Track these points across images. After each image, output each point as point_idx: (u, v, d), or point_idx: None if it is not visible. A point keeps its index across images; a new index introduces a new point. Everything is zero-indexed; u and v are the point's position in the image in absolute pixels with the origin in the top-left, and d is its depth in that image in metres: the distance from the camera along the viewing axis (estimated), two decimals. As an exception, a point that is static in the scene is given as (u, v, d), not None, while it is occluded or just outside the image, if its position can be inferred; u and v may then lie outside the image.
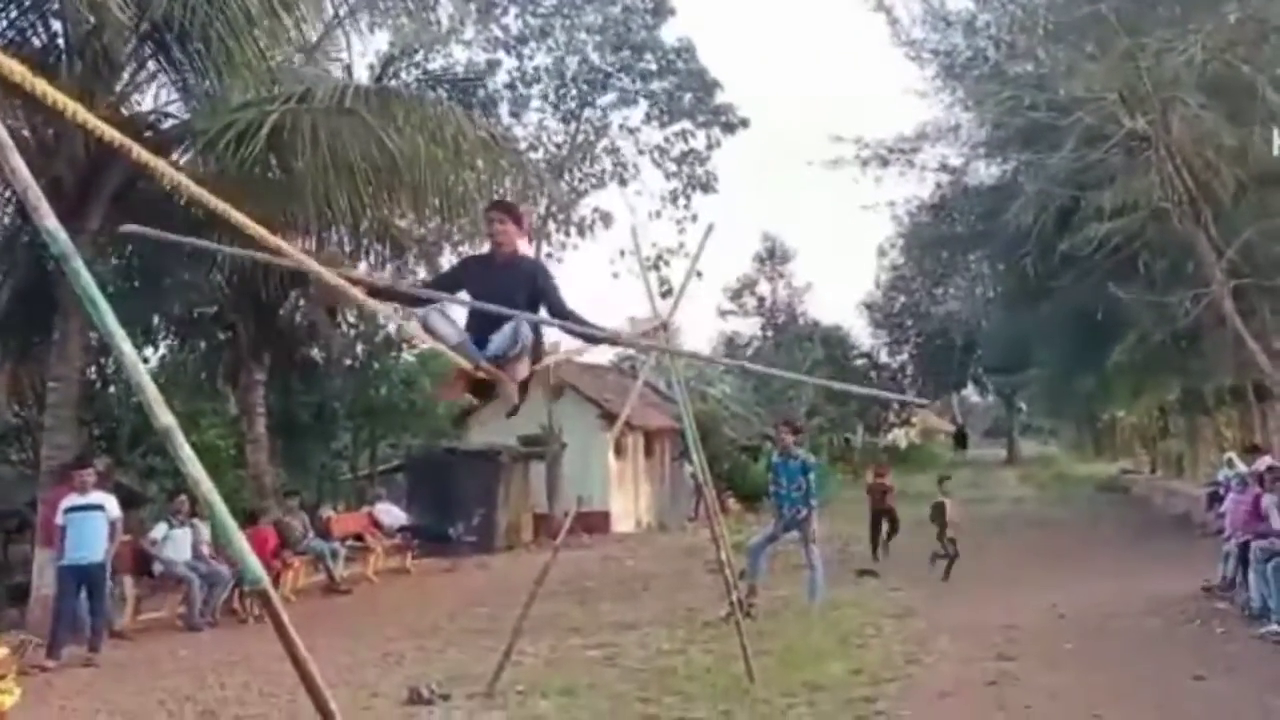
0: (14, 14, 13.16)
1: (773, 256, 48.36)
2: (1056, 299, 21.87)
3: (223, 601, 14.39)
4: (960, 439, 59.02)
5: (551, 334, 7.29)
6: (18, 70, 2.89)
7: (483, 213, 8.39)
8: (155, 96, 15.27)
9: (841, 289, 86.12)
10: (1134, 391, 28.11)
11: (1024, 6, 20.43)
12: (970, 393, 61.94)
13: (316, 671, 2.89)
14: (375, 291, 6.20)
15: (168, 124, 14.80)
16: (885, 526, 17.55)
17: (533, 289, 6.26)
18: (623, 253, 26.78)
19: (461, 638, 11.20)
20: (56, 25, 13.25)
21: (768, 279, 48.70)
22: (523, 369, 5.87)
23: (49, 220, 2.85)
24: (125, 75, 14.07)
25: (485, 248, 6.91)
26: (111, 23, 11.66)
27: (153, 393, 2.89)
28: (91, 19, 11.88)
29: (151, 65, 14.24)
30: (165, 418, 2.86)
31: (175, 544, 14.34)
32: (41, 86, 2.96)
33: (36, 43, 13.43)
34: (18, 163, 2.87)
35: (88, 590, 11.97)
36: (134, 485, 22.63)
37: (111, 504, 12.46)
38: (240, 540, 2.98)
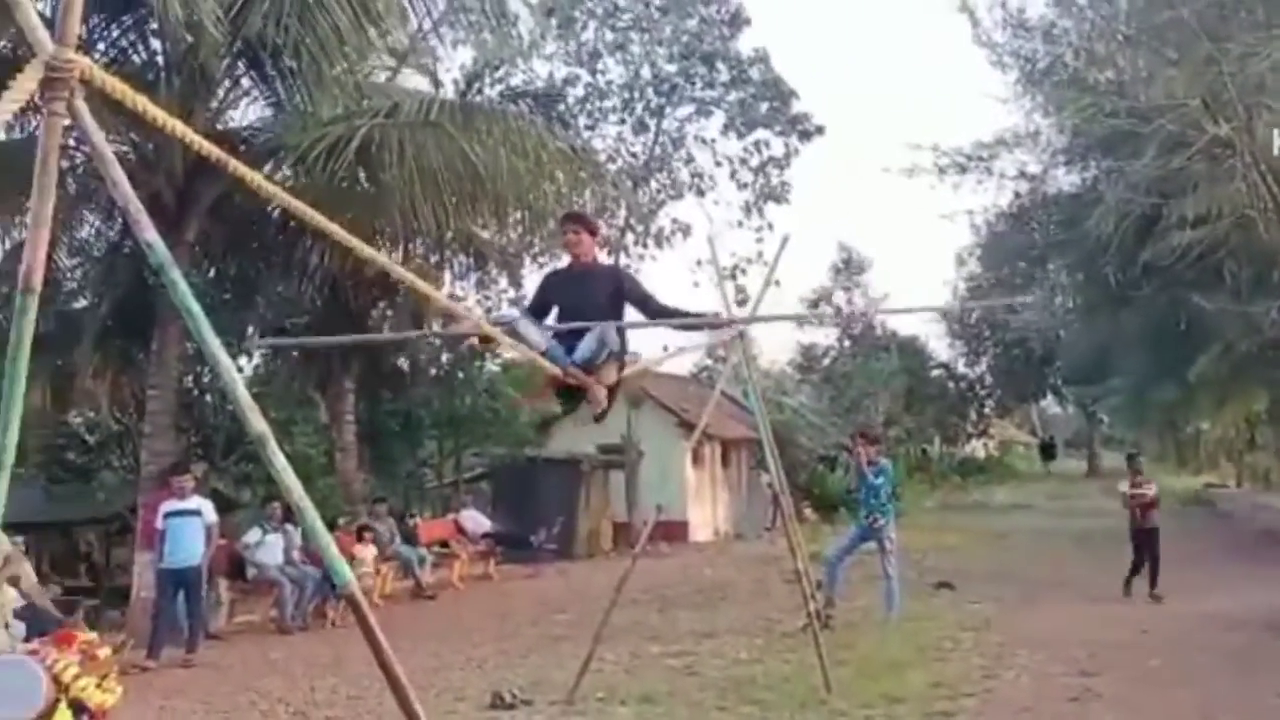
0: (115, 33, 13.42)
1: (849, 266, 47.87)
2: (1138, 308, 21.32)
3: (313, 605, 14.50)
4: (1047, 451, 57.62)
5: (632, 343, 7.19)
6: (119, 87, 2.87)
7: (559, 225, 8.39)
8: (249, 112, 15.53)
9: (918, 299, 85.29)
10: (1219, 403, 27.29)
11: (1103, 13, 19.96)
12: (1050, 404, 60.72)
13: (403, 674, 2.88)
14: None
15: (261, 139, 14.99)
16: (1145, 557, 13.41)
17: (617, 293, 6.23)
18: (700, 262, 26.70)
19: (543, 643, 11.14)
20: (156, 44, 13.48)
21: (844, 289, 48.19)
22: (610, 374, 5.79)
23: (149, 233, 2.85)
24: (221, 92, 14.29)
25: (564, 260, 6.86)
26: (207, 40, 11.83)
27: (246, 401, 2.90)
28: (189, 37, 12.06)
29: (245, 82, 14.44)
30: (259, 425, 2.90)
31: (268, 548, 14.50)
32: (142, 102, 2.94)
33: (137, 60, 13.69)
34: (120, 177, 2.87)
35: (185, 593, 12.13)
36: (229, 491, 23.03)
37: (208, 509, 12.62)
38: (331, 545, 3.02)
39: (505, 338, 5.59)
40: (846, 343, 46.55)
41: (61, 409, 18.22)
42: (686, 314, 6.43)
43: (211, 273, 19.58)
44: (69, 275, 18.90)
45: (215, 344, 2.88)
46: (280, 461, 2.90)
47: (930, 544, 18.37)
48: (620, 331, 5.97)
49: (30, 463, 23.71)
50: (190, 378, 23.25)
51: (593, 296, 5.92)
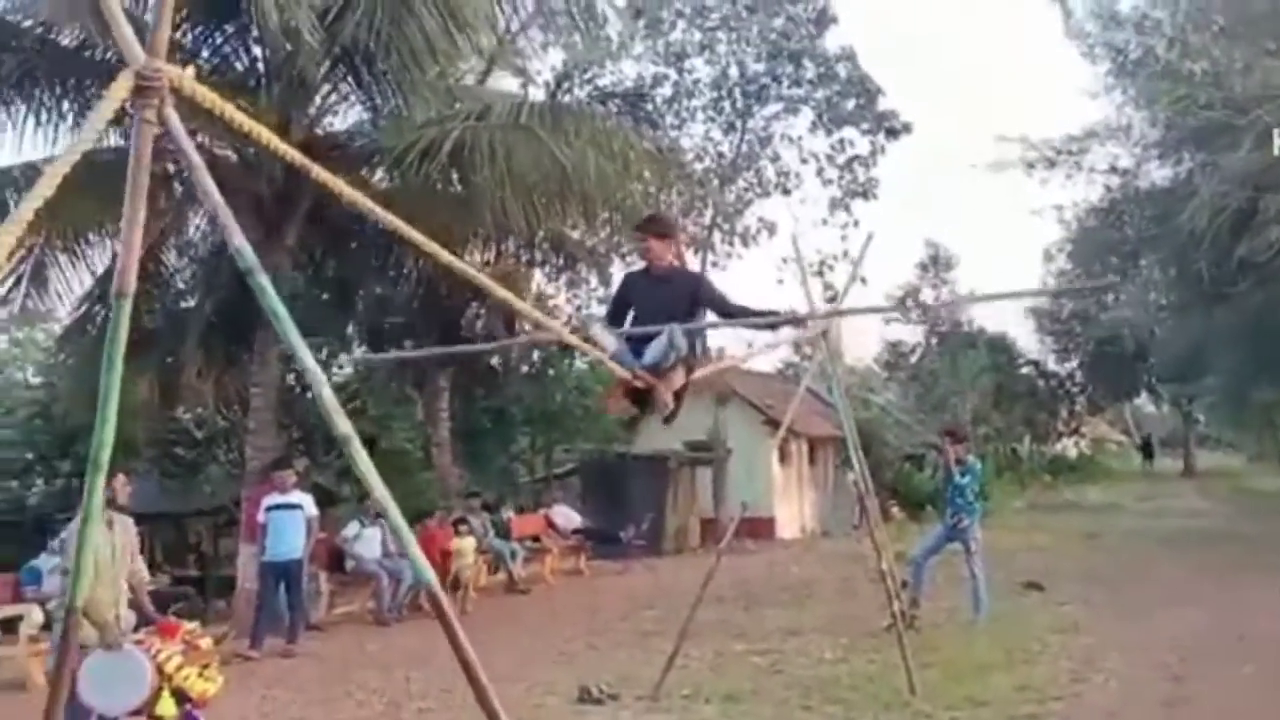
0: (218, 40, 13.69)
1: (936, 263, 46.99)
2: (1234, 305, 20.61)
3: (409, 597, 14.65)
4: (1147, 449, 55.86)
5: (717, 340, 7.11)
6: (208, 95, 2.88)
7: (634, 230, 8.36)
8: (349, 116, 15.73)
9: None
10: (1320, 402, 26.28)
11: (1198, 4, 19.33)
12: (1144, 402, 59.00)
13: (482, 671, 2.93)
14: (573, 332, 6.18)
15: (358, 143, 15.19)
16: None
17: (693, 298, 6.17)
18: (785, 260, 26.45)
19: (631, 639, 11.11)
20: (256, 51, 13.71)
21: (931, 286, 47.33)
22: (677, 379, 5.72)
23: (237, 238, 2.88)
24: (319, 97, 14.49)
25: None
26: (304, 47, 12.00)
27: (331, 402, 2.92)
28: (287, 45, 12.25)
29: (343, 87, 14.62)
30: (343, 426, 2.93)
31: (366, 541, 14.70)
32: (230, 110, 2.95)
33: (239, 67, 13.95)
34: (209, 184, 2.89)
35: (286, 585, 12.35)
36: (330, 485, 23.44)
37: (309, 503, 12.83)
38: (412, 542, 3.03)
39: (578, 342, 5.56)
40: (933, 340, 45.77)
41: (169, 405, 18.61)
42: (763, 313, 6.32)
43: (311, 274, 19.97)
44: (177, 275, 19.39)
45: (301, 345, 2.89)
46: (364, 460, 2.93)
47: (1019, 544, 17.94)
48: (690, 335, 5.89)
49: (143, 456, 24.44)
50: (291, 376, 23.75)
51: (668, 302, 5.87)
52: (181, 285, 19.01)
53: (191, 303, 18.38)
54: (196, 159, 2.94)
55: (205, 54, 13.82)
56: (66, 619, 3.33)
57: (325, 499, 22.49)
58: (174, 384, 16.89)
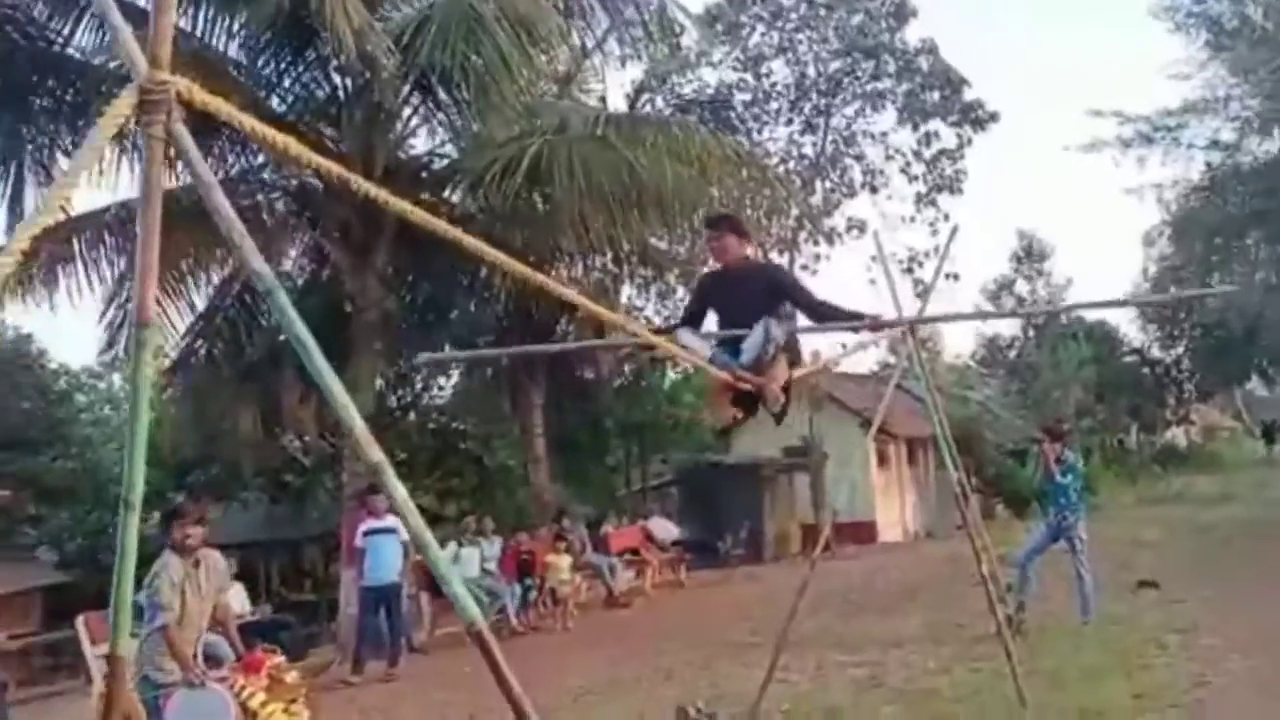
0: (299, 69, 13.72)
1: (1030, 254, 45.65)
2: (1347, 282, 19.41)
3: (506, 617, 14.49)
4: (1268, 435, 53.36)
5: (809, 343, 6.74)
6: (221, 106, 2.64)
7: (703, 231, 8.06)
8: (434, 138, 15.65)
9: (1106, 283, 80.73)
10: None
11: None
12: (1255, 385, 56.51)
13: (532, 711, 2.68)
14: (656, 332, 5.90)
15: (440, 164, 15.11)
16: None
17: (774, 290, 5.82)
18: (874, 259, 25.88)
19: (730, 652, 10.72)
20: (337, 79, 13.72)
21: (1026, 278, 46.02)
22: (781, 371, 5.35)
23: (255, 261, 2.64)
24: (400, 121, 14.43)
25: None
26: (381, 73, 11.94)
27: (362, 431, 2.68)
28: (365, 71, 12.20)
29: (423, 110, 14.56)
30: (375, 456, 2.68)
31: (464, 562, 14.57)
32: (249, 122, 2.70)
33: (320, 95, 13.98)
34: (220, 202, 2.66)
35: (386, 608, 12.25)
36: (433, 506, 23.52)
37: (401, 526, 12.70)
38: (455, 579, 2.78)
39: (670, 347, 5.22)
40: (1031, 333, 44.48)
41: (273, 434, 18.77)
42: (846, 314, 5.93)
43: (403, 296, 20.02)
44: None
45: (327, 371, 2.65)
46: (400, 494, 2.71)
47: (1130, 539, 17.05)
48: (785, 326, 5.54)
49: (251, 485, 24.84)
50: (394, 399, 23.89)
51: (748, 297, 5.53)
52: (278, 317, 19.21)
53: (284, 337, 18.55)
54: (208, 176, 2.69)
55: (287, 83, 13.88)
56: (111, 664, 3.10)
57: (429, 519, 22.56)
58: (276, 413, 16.97)
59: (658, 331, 5.90)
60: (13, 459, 22.09)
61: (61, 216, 13.19)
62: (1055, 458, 10.84)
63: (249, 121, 2.70)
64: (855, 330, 6.00)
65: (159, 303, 15.56)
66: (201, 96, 2.62)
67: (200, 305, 15.84)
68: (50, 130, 13.01)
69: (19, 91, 12.41)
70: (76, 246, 13.51)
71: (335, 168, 3.11)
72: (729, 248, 5.88)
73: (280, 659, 6.38)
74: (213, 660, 6.64)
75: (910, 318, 7.79)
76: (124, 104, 2.51)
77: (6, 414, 22.90)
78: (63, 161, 13.62)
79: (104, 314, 14.82)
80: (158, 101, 2.51)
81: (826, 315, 5.90)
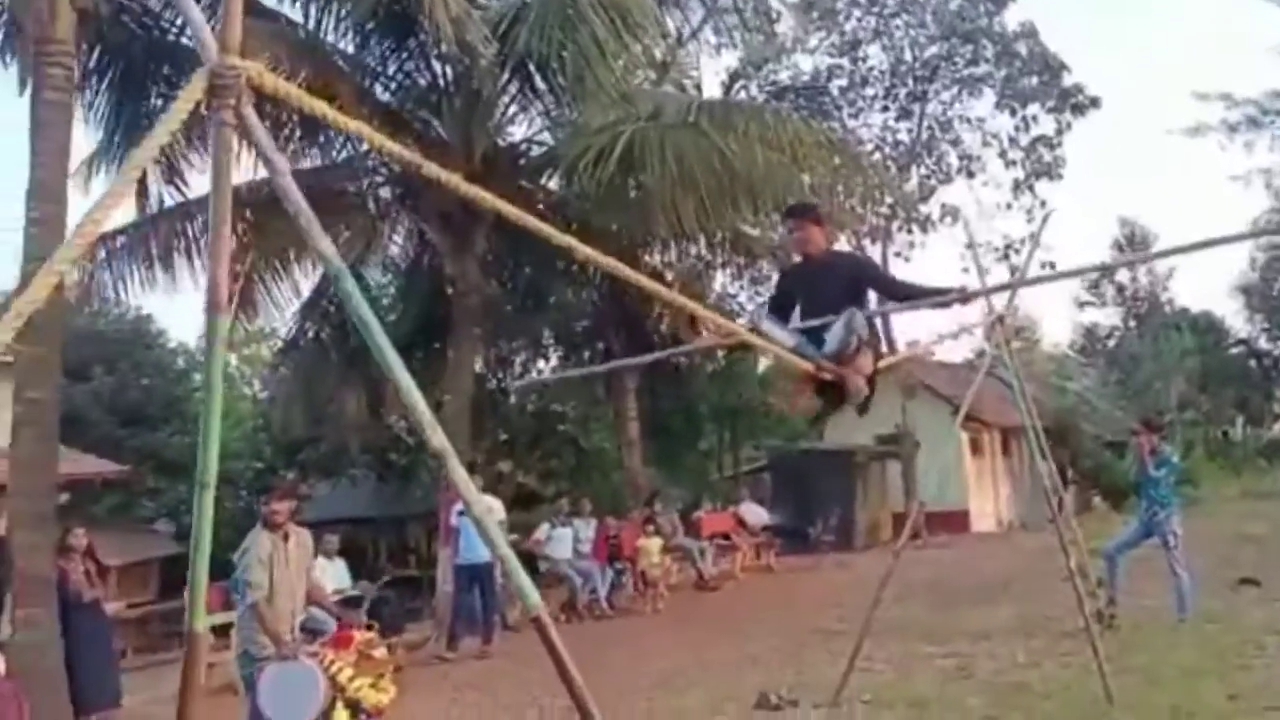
0: (402, 57, 13.81)
1: (1131, 242, 44.11)
2: None
3: (596, 597, 14.50)
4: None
5: (902, 328, 6.51)
6: (290, 91, 2.59)
7: (782, 222, 7.84)
8: (529, 126, 15.67)
9: (1211, 272, 77.00)
10: None
11: None
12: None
13: (594, 705, 2.70)
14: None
15: (536, 151, 15.11)
16: None
17: (856, 280, 5.67)
18: (968, 246, 25.25)
19: (816, 639, 10.54)
20: (437, 67, 13.77)
21: (1128, 266, 44.58)
22: (866, 362, 5.17)
23: (322, 243, 2.59)
24: (499, 109, 14.45)
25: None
26: (480, 61, 11.94)
27: (426, 416, 2.63)
28: (464, 59, 12.22)
29: (520, 98, 14.57)
30: (438, 441, 2.64)
31: (557, 543, 14.64)
32: (319, 106, 2.64)
33: (421, 83, 14.06)
34: (288, 185, 2.62)
35: (480, 587, 12.34)
36: (535, 486, 23.71)
37: (498, 506, 12.80)
38: (517, 566, 2.76)
39: (755, 340, 5.07)
40: (1132, 322, 43.08)
41: (378, 415, 19.04)
42: (934, 290, 5.72)
43: (504, 282, 20.14)
44: (382, 292, 19.84)
45: (391, 354, 2.61)
46: (461, 476, 2.69)
47: (1232, 534, 16.33)
48: (870, 318, 5.36)
49: (359, 463, 25.31)
50: (494, 381, 24.10)
51: (832, 288, 5.37)
52: (387, 302, 19.45)
53: (393, 317, 18.80)
54: (280, 162, 2.64)
55: (390, 70, 13.99)
56: (190, 640, 3.08)
57: (530, 499, 22.78)
58: (381, 395, 17.18)
59: (749, 330, 5.75)
60: (133, 434, 22.79)
61: (128, 203, 13.38)
62: (1150, 449, 10.41)
63: (320, 106, 2.64)
64: (946, 305, 5.76)
65: (268, 288, 15.89)
66: (272, 81, 2.57)
67: (307, 289, 16.08)
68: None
69: (137, 80, 12.68)
70: (192, 230, 13.80)
71: (402, 151, 3.04)
72: (811, 238, 5.73)
73: (371, 635, 6.41)
74: (312, 634, 6.69)
75: (1001, 283, 7.48)
76: (195, 89, 2.47)
77: (127, 391, 23.65)
78: (183, 149, 13.96)
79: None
80: (228, 86, 2.47)
81: (914, 295, 5.72)
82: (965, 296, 5.97)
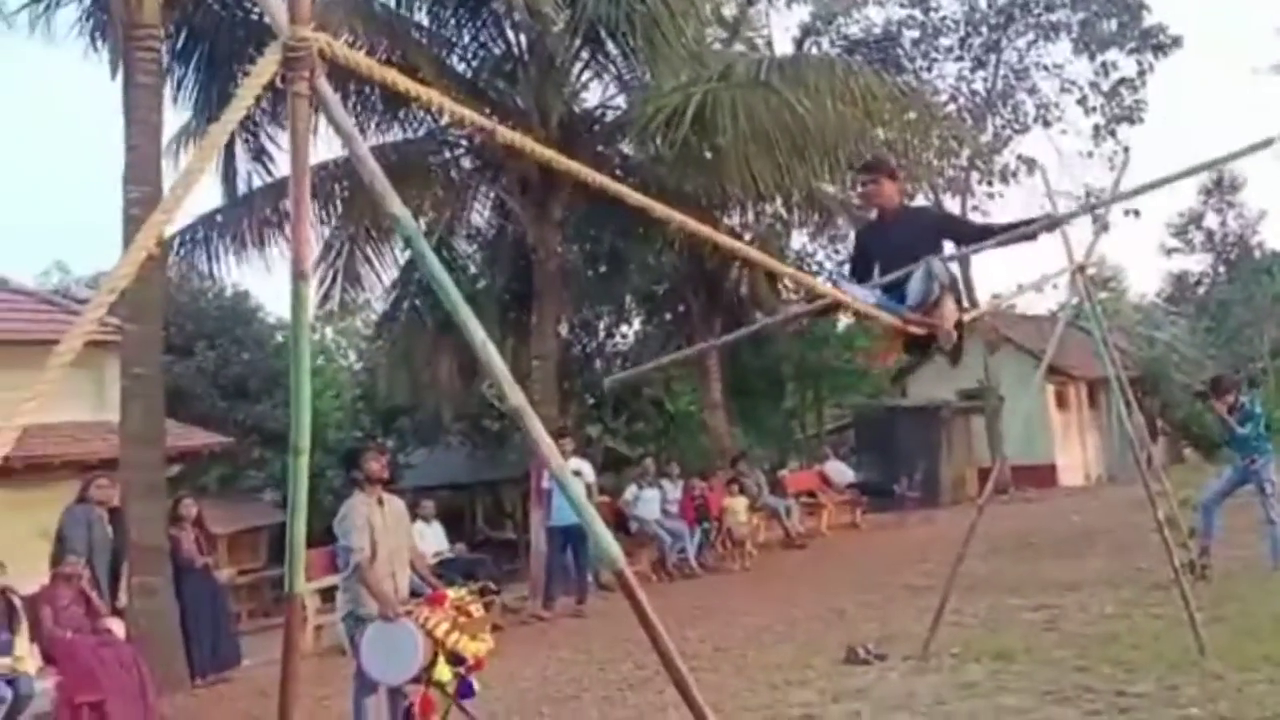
0: (477, 26, 13.82)
1: (1220, 186, 42.39)
2: None
3: (685, 555, 14.53)
4: None
5: (982, 283, 6.33)
6: (360, 61, 2.58)
7: (855, 178, 7.67)
8: (603, 91, 15.57)
9: (1305, 214, 74.14)
10: None
11: None
12: None
13: (678, 656, 2.62)
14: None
15: (611, 116, 15.03)
16: None
17: (934, 230, 5.55)
18: (1048, 196, 24.40)
19: (903, 594, 10.42)
20: (511, 36, 13.76)
21: (1215, 211, 42.78)
22: (951, 309, 5.04)
23: (395, 207, 2.59)
24: (573, 75, 14.39)
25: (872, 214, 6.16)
26: (553, 27, 11.92)
27: (503, 372, 2.63)
28: (536, 26, 12.19)
29: (593, 63, 14.49)
30: (516, 398, 2.64)
31: (645, 503, 14.68)
32: (390, 75, 2.62)
33: (496, 52, 14.06)
34: (364, 152, 2.63)
35: (572, 548, 12.45)
36: (622, 449, 23.80)
37: (587, 469, 12.88)
38: (596, 518, 2.72)
39: (839, 295, 4.96)
40: (1221, 268, 41.58)
41: (468, 382, 19.26)
42: (1017, 224, 5.56)
43: (585, 247, 20.17)
44: (469, 259, 20.01)
45: (467, 313, 2.59)
46: (537, 430, 2.65)
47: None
48: (949, 264, 5.23)
49: (453, 430, 25.67)
50: (579, 346, 24.22)
51: (909, 241, 5.23)
52: (474, 269, 19.60)
53: (483, 284, 18.95)
54: (352, 130, 2.64)
55: (465, 41, 14.01)
56: (289, 603, 3.13)
57: (620, 461, 22.90)
58: (470, 362, 17.38)
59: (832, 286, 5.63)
60: (237, 407, 23.39)
61: (212, 180, 13.49)
62: (1229, 408, 10.07)
63: (391, 75, 2.63)
64: (1033, 236, 5.54)
65: (368, 260, 16.12)
66: (343, 52, 2.57)
67: (402, 260, 16.26)
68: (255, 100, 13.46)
69: (223, 60, 12.87)
70: (284, 207, 14.03)
71: (466, 112, 3.01)
72: (885, 193, 5.60)
73: (463, 592, 6.48)
74: (416, 597, 6.80)
75: (1081, 206, 7.17)
76: (270, 62, 2.47)
77: (229, 365, 24.25)
78: (269, 129, 14.19)
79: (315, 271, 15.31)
80: (301, 58, 2.46)
81: (996, 233, 5.55)
82: (1053, 222, 5.79)
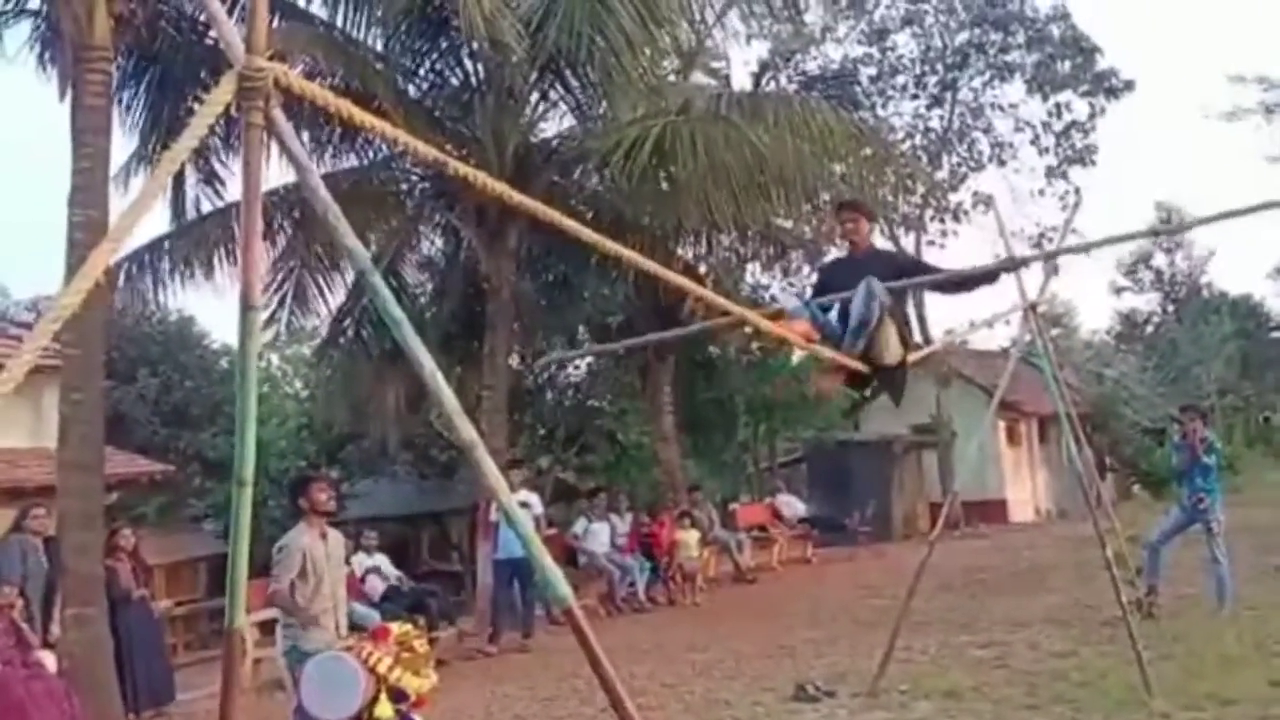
0: (434, 57, 13.85)
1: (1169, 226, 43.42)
2: None
3: (634, 590, 14.50)
4: None
5: (937, 319, 6.54)
6: (316, 92, 2.61)
7: (833, 215, 7.92)
8: (564, 123, 15.63)
9: (1250, 255, 75.75)
10: None
11: None
12: None
13: (627, 696, 2.69)
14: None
15: (568, 147, 15.09)
16: None
17: (898, 270, 5.74)
18: (1001, 234, 24.79)
19: (853, 630, 10.49)
20: (469, 65, 13.78)
21: (1164, 250, 43.78)
22: (893, 341, 5.19)
23: (349, 240, 2.61)
24: (530, 105, 14.44)
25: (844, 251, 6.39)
26: (511, 58, 11.97)
27: (453, 405, 2.65)
28: (496, 57, 12.24)
29: (551, 94, 14.56)
30: (468, 433, 2.70)
31: (594, 536, 14.67)
32: (345, 107, 2.66)
33: (454, 81, 14.07)
34: (316, 183, 2.67)
35: (519, 582, 12.38)
36: (573, 480, 23.73)
37: (535, 501, 12.83)
38: (545, 555, 2.74)
39: (777, 330, 5.03)
40: (1170, 307, 42.47)
41: (415, 411, 19.11)
42: (978, 270, 5.79)
43: (538, 276, 20.14)
44: (419, 289, 19.91)
45: (418, 346, 2.64)
46: (489, 468, 2.71)
47: (1272, 521, 16.08)
48: (902, 300, 5.39)
49: (400, 461, 25.42)
50: (531, 377, 24.14)
51: (877, 278, 5.37)
52: (424, 299, 19.52)
53: (430, 314, 18.86)
54: (306, 161, 2.67)
55: (422, 70, 14.02)
56: (228, 638, 3.11)
57: (569, 493, 22.82)
58: (417, 391, 17.27)
59: (771, 315, 5.76)
60: (178, 435, 23.03)
61: (162, 206, 13.33)
62: (1199, 436, 10.24)
63: (345, 106, 2.66)
64: (995, 278, 5.79)
65: (317, 286, 16.01)
66: (298, 83, 2.60)
67: (350, 285, 16.16)
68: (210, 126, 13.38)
69: (175, 85, 12.79)
70: (234, 234, 13.92)
71: (419, 145, 3.06)
72: (861, 230, 5.90)
73: (408, 627, 6.42)
74: (359, 631, 6.76)
75: (1031, 255, 7.40)
76: (224, 91, 2.49)
77: (171, 392, 23.89)
78: (221, 154, 14.08)
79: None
80: (257, 88, 2.49)
81: (962, 278, 5.75)
82: (1014, 264, 6.03)
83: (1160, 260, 43.63)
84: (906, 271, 5.83)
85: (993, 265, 5.83)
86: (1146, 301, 44.28)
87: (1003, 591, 12.40)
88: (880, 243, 6.49)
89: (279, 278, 15.50)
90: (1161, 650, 7.71)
